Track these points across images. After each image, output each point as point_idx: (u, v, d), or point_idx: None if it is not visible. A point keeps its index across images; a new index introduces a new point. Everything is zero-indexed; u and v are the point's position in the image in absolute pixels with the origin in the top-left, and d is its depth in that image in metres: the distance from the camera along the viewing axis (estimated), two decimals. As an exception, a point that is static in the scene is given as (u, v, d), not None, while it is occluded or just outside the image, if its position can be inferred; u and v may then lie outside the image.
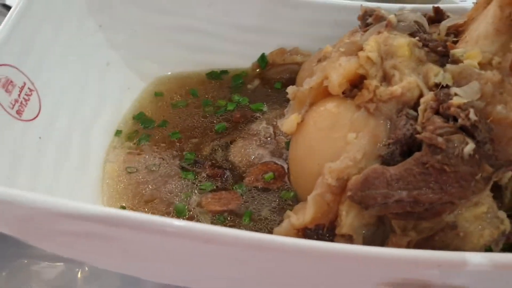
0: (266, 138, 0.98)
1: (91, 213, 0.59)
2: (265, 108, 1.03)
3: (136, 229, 0.58)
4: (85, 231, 0.63)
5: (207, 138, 0.98)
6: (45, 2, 0.87)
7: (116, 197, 0.87)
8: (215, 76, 1.11)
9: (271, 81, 1.09)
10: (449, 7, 0.97)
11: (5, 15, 1.43)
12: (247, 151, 0.96)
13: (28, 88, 0.81)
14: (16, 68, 0.79)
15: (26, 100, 0.80)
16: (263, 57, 1.10)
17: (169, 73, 1.10)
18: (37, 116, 0.82)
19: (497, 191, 0.78)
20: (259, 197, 0.88)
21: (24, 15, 0.83)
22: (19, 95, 0.78)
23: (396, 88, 0.72)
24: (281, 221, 0.80)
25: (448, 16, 0.91)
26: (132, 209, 0.85)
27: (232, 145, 0.97)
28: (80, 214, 0.59)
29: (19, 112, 0.78)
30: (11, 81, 0.77)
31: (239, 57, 1.11)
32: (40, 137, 0.81)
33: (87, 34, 0.96)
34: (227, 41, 1.10)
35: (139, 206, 0.86)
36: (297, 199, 0.85)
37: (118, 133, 0.99)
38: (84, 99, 0.93)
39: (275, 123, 0.99)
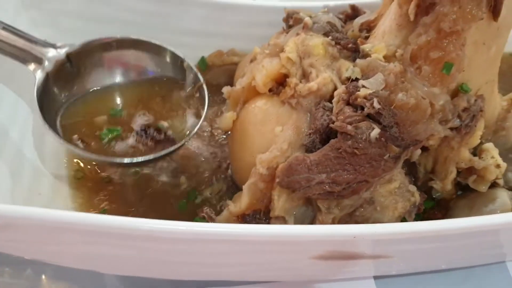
0: (204, 134, 1.05)
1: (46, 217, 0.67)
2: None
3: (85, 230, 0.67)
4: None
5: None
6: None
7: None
8: None
9: (211, 81, 1.16)
10: (366, 2, 1.06)
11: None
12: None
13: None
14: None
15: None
16: (203, 60, 1.18)
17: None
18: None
19: (412, 167, 0.89)
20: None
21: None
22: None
23: (313, 84, 0.81)
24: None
25: (364, 12, 1.01)
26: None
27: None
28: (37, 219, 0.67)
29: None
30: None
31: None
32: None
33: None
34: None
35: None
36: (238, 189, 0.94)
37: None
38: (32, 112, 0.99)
39: (212, 120, 1.07)
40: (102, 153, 0.94)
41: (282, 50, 0.87)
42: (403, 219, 0.83)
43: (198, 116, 0.99)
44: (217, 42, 1.19)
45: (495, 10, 0.78)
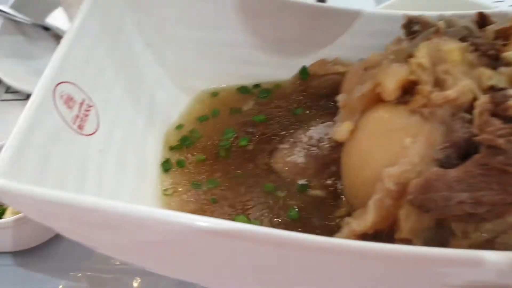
0: (310, 145, 0.99)
1: (160, 218, 0.61)
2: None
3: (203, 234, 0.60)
4: (154, 237, 0.64)
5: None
6: (98, 23, 0.90)
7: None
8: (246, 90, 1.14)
9: (313, 91, 1.10)
10: (491, 12, 0.98)
11: (45, 38, 1.47)
12: (291, 158, 0.98)
13: (87, 104, 0.83)
14: (75, 85, 0.82)
15: (86, 116, 0.83)
16: (304, 69, 1.12)
17: (213, 87, 1.12)
18: (96, 130, 0.84)
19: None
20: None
21: (79, 35, 0.85)
22: (79, 111, 0.81)
23: (451, 92, 0.72)
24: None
25: (494, 21, 0.92)
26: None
27: (275, 153, 0.99)
28: (149, 218, 0.61)
29: (80, 127, 0.81)
30: (72, 98, 0.80)
31: (280, 69, 1.12)
32: (100, 150, 0.84)
33: (137, 52, 0.99)
34: (267, 53, 1.12)
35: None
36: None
37: (167, 144, 1.02)
38: (136, 114, 0.97)
39: (319, 131, 1.00)
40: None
41: (409, 56, 0.79)
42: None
43: None
44: (315, 51, 1.13)
45: None
